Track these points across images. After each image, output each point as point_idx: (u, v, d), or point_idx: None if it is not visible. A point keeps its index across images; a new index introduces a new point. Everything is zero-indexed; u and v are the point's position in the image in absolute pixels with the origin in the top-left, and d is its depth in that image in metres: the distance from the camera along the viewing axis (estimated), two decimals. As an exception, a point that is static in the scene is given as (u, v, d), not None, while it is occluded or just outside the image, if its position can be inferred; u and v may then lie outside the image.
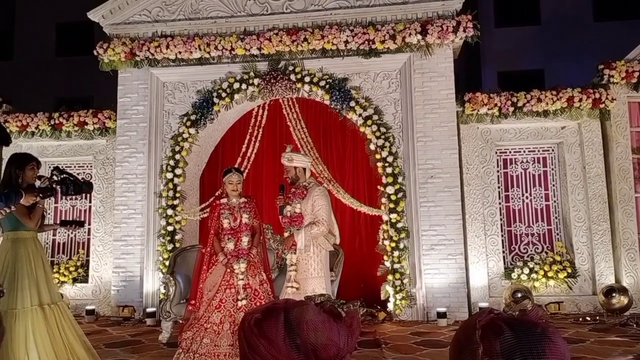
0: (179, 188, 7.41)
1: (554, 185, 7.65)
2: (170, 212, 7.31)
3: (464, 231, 7.19)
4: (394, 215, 6.96)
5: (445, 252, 6.96)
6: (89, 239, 8.08)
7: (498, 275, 7.31)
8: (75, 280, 7.91)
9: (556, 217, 7.59)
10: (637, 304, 6.91)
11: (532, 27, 14.17)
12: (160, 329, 5.93)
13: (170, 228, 7.30)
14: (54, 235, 8.30)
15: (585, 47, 12.42)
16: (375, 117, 7.14)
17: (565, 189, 7.50)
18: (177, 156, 7.40)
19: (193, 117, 7.44)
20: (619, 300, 6.70)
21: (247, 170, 7.76)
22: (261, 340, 1.14)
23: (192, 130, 7.42)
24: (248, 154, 7.90)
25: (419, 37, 7.04)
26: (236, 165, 7.30)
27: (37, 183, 3.96)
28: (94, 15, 7.78)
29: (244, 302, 4.33)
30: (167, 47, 7.43)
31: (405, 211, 7.02)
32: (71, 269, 7.95)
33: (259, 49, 7.32)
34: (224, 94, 7.40)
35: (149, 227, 7.41)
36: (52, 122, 7.98)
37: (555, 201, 7.63)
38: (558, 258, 7.32)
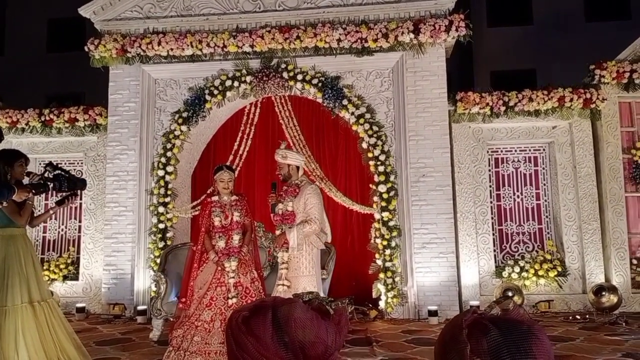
0: (170, 185, 7.38)
1: (544, 185, 7.69)
2: (161, 209, 7.28)
3: (456, 230, 7.22)
4: (385, 214, 6.97)
5: (437, 250, 6.98)
6: (79, 237, 8.04)
7: (489, 273, 7.34)
8: (65, 277, 7.86)
9: (547, 216, 7.64)
10: (626, 302, 6.97)
11: (525, 27, 14.21)
12: (151, 327, 5.91)
13: (161, 226, 7.27)
14: (45, 232, 8.24)
15: (577, 47, 12.47)
16: (367, 116, 7.14)
17: (556, 188, 7.54)
18: (169, 153, 7.37)
19: (185, 115, 7.41)
20: (609, 299, 6.75)
21: (239, 168, 7.75)
22: (249, 338, 1.14)
23: (183, 128, 7.39)
24: (240, 152, 7.88)
25: (412, 36, 7.05)
26: (228, 163, 7.28)
27: (26, 180, 3.93)
28: (85, 11, 7.73)
29: (235, 300, 4.33)
30: (159, 43, 7.40)
31: (397, 210, 7.03)
32: (61, 266, 7.90)
33: (252, 46, 7.31)
34: (216, 92, 7.38)
35: (140, 225, 7.38)
36: (43, 119, 7.92)
37: (546, 200, 7.67)
38: (548, 257, 7.36)
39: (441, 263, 6.97)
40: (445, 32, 7.06)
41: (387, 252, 6.91)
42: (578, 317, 6.66)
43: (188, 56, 7.51)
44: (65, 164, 8.12)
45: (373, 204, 7.14)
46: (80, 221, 8.03)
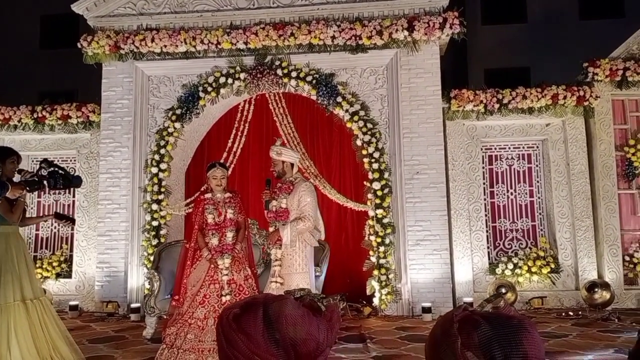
0: (164, 183, 7.36)
1: (538, 182, 7.72)
2: (155, 207, 7.26)
3: (449, 227, 7.23)
4: (380, 211, 6.97)
5: (431, 247, 7.00)
6: (72, 234, 8.00)
7: (483, 270, 7.37)
8: (58, 275, 7.83)
9: (540, 213, 7.67)
10: (619, 299, 7.01)
11: (519, 25, 14.25)
12: (144, 325, 5.89)
13: (155, 223, 7.25)
14: (38, 229, 8.21)
15: (571, 45, 12.50)
16: (362, 113, 7.14)
17: (549, 185, 7.57)
18: (162, 150, 7.35)
19: (178, 112, 7.39)
20: (601, 295, 6.77)
21: (233, 165, 7.74)
22: (240, 335, 1.13)
23: (177, 125, 7.37)
24: (234, 149, 7.87)
25: (406, 33, 7.05)
26: (222, 160, 7.28)
27: (17, 177, 3.90)
28: (77, 7, 7.68)
29: (228, 297, 4.32)
30: (152, 40, 7.37)
31: (391, 207, 7.04)
32: (54, 264, 7.87)
33: (246, 43, 7.29)
34: (209, 88, 7.36)
35: (134, 222, 7.36)
36: (35, 116, 7.88)
37: (539, 197, 7.70)
38: (542, 254, 7.39)
39: (435, 260, 6.98)
40: (440, 30, 7.06)
41: (381, 249, 6.92)
42: (571, 313, 6.69)
43: (182, 53, 7.48)
44: (58, 161, 8.05)
45: (367, 201, 7.14)
46: (73, 216, 7.98)
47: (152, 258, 6.62)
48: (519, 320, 1.09)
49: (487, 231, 7.56)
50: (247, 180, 8.07)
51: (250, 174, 8.09)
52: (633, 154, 7.36)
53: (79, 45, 7.57)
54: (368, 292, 7.05)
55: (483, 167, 7.68)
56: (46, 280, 7.73)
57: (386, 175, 7.04)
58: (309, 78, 7.20)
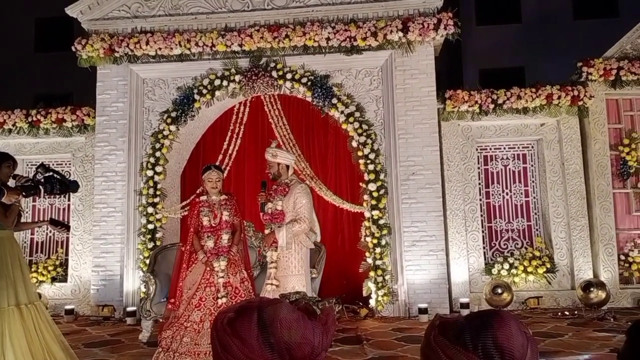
0: (159, 186, 7.34)
1: (533, 182, 7.74)
2: (150, 210, 7.24)
3: (445, 227, 7.24)
4: (375, 212, 6.97)
5: (427, 248, 7.00)
6: (67, 238, 7.97)
7: (479, 270, 7.38)
8: (54, 279, 7.80)
9: (535, 213, 7.68)
10: (614, 298, 7.03)
11: (513, 26, 14.30)
12: (140, 328, 5.88)
13: (150, 226, 7.23)
14: (33, 234, 8.18)
15: (565, 45, 12.56)
16: (357, 114, 7.14)
17: (544, 185, 7.59)
18: (158, 153, 7.33)
19: (173, 114, 7.37)
20: (597, 294, 6.80)
21: (228, 168, 7.73)
22: (234, 339, 1.12)
23: (172, 127, 7.36)
24: (229, 151, 7.86)
25: (400, 34, 7.05)
26: (217, 163, 7.27)
27: (11, 182, 3.88)
28: (72, 10, 7.66)
29: (225, 300, 4.31)
30: (147, 43, 7.35)
31: (387, 208, 7.05)
32: (50, 268, 7.84)
33: (240, 45, 7.28)
34: (204, 91, 7.35)
35: (129, 226, 7.34)
36: (30, 119, 7.85)
37: (534, 197, 7.71)
38: (537, 253, 7.41)
39: (431, 261, 6.99)
40: (434, 31, 7.07)
41: (378, 250, 6.92)
42: (567, 313, 6.71)
43: (176, 55, 7.47)
44: (53, 164, 8.02)
45: (363, 203, 7.14)
46: (68, 222, 7.95)
47: (147, 261, 6.61)
48: (496, 311, 1.12)
49: (482, 231, 7.57)
50: (242, 182, 8.06)
51: (245, 176, 8.08)
52: (627, 153, 7.39)
53: (73, 48, 7.55)
54: (364, 294, 7.05)
55: (478, 168, 7.69)
56: (41, 285, 7.69)
57: (382, 176, 7.05)
58: (304, 80, 7.20)
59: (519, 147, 7.79)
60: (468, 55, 14.29)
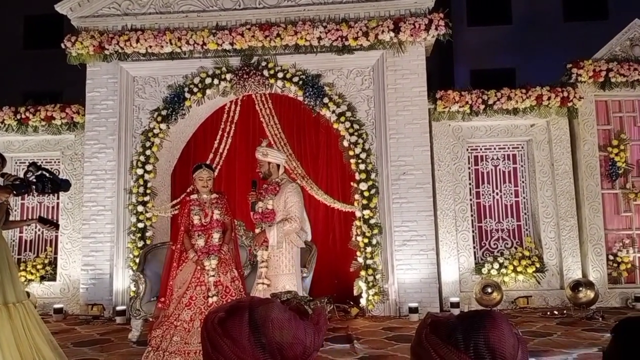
0: (149, 184, 7.30)
1: (523, 182, 7.78)
2: (140, 208, 7.21)
3: (436, 227, 7.26)
4: (367, 212, 6.98)
5: (417, 247, 7.02)
6: (57, 236, 7.90)
7: (469, 270, 7.41)
8: (43, 278, 7.73)
9: (525, 213, 7.73)
10: (603, 297, 7.08)
11: (504, 27, 14.37)
12: (130, 327, 5.85)
13: (140, 225, 7.19)
14: (22, 232, 8.10)
15: (555, 46, 12.64)
16: (348, 114, 7.14)
17: (534, 185, 7.63)
18: (148, 152, 7.30)
19: (164, 112, 7.34)
20: (586, 294, 6.85)
21: (219, 167, 7.70)
22: (225, 340, 1.12)
23: (163, 126, 7.32)
24: (220, 150, 7.83)
25: (392, 34, 7.06)
26: (208, 162, 7.24)
27: (0, 180, 3.84)
28: (61, 7, 7.60)
29: (215, 299, 4.30)
30: (137, 41, 7.31)
31: (378, 207, 7.06)
32: (39, 266, 7.77)
33: (232, 44, 7.26)
34: (195, 89, 7.32)
35: (119, 224, 7.29)
36: (19, 117, 7.77)
37: (524, 197, 7.76)
38: (527, 253, 7.45)
39: (421, 260, 7.01)
40: (425, 31, 7.09)
41: (368, 249, 6.94)
42: (556, 312, 6.75)
43: (167, 54, 7.43)
44: (42, 162, 7.97)
45: (354, 202, 7.15)
46: (57, 221, 7.89)
47: (137, 260, 6.57)
48: (488, 312, 1.12)
49: (473, 231, 7.60)
50: (233, 181, 8.03)
51: (236, 175, 8.06)
52: (616, 154, 7.45)
53: (62, 45, 7.49)
54: (355, 293, 7.05)
55: (469, 168, 7.72)
56: (30, 283, 7.63)
57: (373, 175, 7.06)
58: (295, 79, 7.19)
59: (509, 148, 7.83)
60: (459, 56, 14.35)
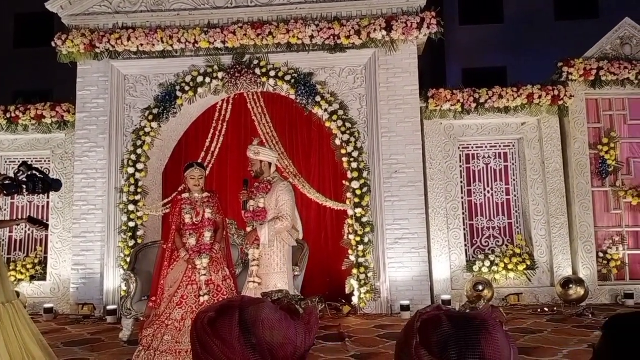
0: (140, 183, 7.27)
1: (514, 180, 7.81)
2: (131, 207, 7.17)
3: (427, 225, 7.28)
4: (359, 210, 6.99)
5: (409, 245, 7.04)
6: (47, 236, 7.84)
7: (460, 268, 7.43)
8: (33, 278, 7.68)
9: (516, 211, 7.76)
10: (593, 294, 7.13)
11: (496, 26, 14.42)
12: (121, 327, 5.81)
13: (131, 224, 7.16)
14: (11, 232, 8.04)
15: (546, 45, 12.70)
16: (340, 113, 7.14)
17: (525, 183, 7.67)
18: (139, 151, 7.26)
19: (155, 111, 7.30)
20: (576, 291, 6.90)
21: (211, 165, 7.68)
22: (215, 340, 1.11)
23: (154, 125, 7.29)
24: (212, 149, 7.80)
25: (384, 33, 7.07)
26: (200, 160, 7.21)
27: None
28: (52, 5, 7.54)
29: (207, 297, 4.29)
30: (129, 39, 7.27)
31: (370, 206, 7.07)
32: (28, 266, 7.71)
33: (224, 42, 7.23)
34: (187, 88, 7.29)
35: (110, 223, 7.26)
36: (9, 116, 7.71)
37: (515, 195, 7.79)
38: (518, 251, 7.48)
39: (413, 258, 7.03)
40: (417, 30, 7.10)
41: (360, 248, 6.94)
42: (546, 309, 6.79)
43: (158, 52, 7.39)
44: (32, 161, 7.91)
45: (346, 201, 7.16)
46: (47, 220, 7.84)
47: (128, 259, 6.54)
48: (482, 320, 1.07)
49: (464, 229, 7.63)
50: (225, 180, 8.01)
51: (228, 174, 8.04)
52: (606, 152, 7.49)
53: (53, 44, 7.43)
54: (347, 291, 7.06)
55: (460, 166, 7.75)
56: (20, 283, 7.57)
57: (365, 174, 7.06)
58: (287, 77, 7.18)
59: (500, 146, 7.86)
60: (451, 55, 14.39)
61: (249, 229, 4.66)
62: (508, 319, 6.24)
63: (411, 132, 7.23)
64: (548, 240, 7.46)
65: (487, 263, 7.34)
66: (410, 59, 7.32)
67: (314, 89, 7.16)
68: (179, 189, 6.83)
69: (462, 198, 7.70)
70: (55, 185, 3.68)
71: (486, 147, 7.85)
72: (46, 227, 4.35)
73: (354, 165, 7.04)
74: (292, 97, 7.29)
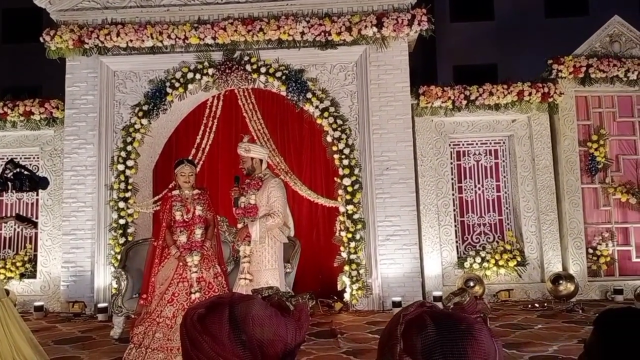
0: (131, 180, 7.23)
1: (504, 177, 7.85)
2: (122, 204, 7.13)
3: (419, 222, 7.30)
4: (350, 207, 7.00)
5: (401, 242, 7.05)
6: (36, 233, 7.77)
7: (451, 264, 7.46)
8: (22, 275, 7.61)
9: (507, 208, 7.80)
10: (582, 290, 7.18)
11: (487, 23, 14.46)
12: (112, 325, 5.79)
13: (122, 221, 7.12)
14: (0, 229, 7.97)
15: (537, 42, 12.75)
16: (332, 109, 7.14)
17: (515, 180, 7.71)
18: (129, 147, 7.21)
19: (145, 108, 7.26)
20: (566, 287, 6.94)
21: (202, 162, 7.65)
22: (205, 337, 1.10)
23: (144, 121, 7.24)
24: (203, 145, 7.77)
25: (375, 29, 7.06)
26: (190, 157, 7.18)
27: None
28: (40, 0, 7.46)
29: (198, 294, 4.28)
30: (118, 34, 7.21)
31: (362, 202, 7.07)
32: (18, 264, 7.64)
33: (214, 38, 7.20)
34: (177, 84, 7.25)
35: (100, 221, 7.21)
36: (-4, 112, 7.64)
37: (506, 192, 7.83)
38: (508, 247, 7.52)
39: (405, 255, 7.05)
40: (408, 27, 7.10)
41: (352, 244, 6.95)
42: (537, 305, 6.84)
43: (148, 48, 7.34)
44: (20, 158, 7.84)
45: (338, 197, 7.16)
46: (37, 218, 7.78)
47: (119, 257, 6.52)
48: (469, 325, 1.03)
49: (455, 226, 7.65)
50: (216, 177, 7.99)
51: (219, 170, 8.01)
52: (596, 149, 7.54)
53: (41, 39, 7.36)
54: (339, 288, 7.07)
55: (451, 163, 7.77)
56: (10, 281, 7.51)
57: (356, 171, 7.07)
58: (278, 74, 7.16)
59: (490, 143, 7.89)
60: (442, 52, 14.41)
61: (240, 226, 4.64)
62: (499, 314, 6.29)
63: (402, 129, 7.24)
64: (538, 236, 7.51)
65: (478, 259, 7.38)
66: (401, 55, 7.32)
67: (305, 86, 7.15)
68: (170, 186, 6.82)
69: (453, 195, 7.72)
70: (42, 183, 3.65)
71: (477, 144, 7.87)
72: (34, 224, 4.33)
73: (345, 162, 7.04)
74: (283, 93, 7.27)
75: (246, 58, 7.23)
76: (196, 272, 4.36)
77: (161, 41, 7.24)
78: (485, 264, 7.37)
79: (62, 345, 5.32)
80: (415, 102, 7.44)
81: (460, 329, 1.02)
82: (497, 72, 13.26)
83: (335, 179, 7.20)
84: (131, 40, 7.24)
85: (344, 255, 7.02)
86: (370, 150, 7.15)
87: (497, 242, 7.64)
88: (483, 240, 7.70)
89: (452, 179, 7.75)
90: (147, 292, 4.38)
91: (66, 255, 7.23)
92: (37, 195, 7.80)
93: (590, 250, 7.47)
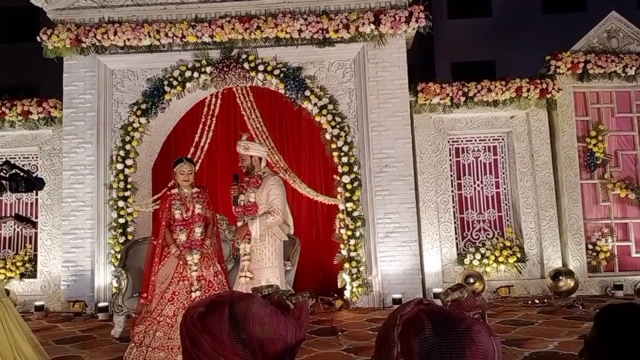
0: (130, 179, 7.22)
1: (503, 173, 7.85)
2: (121, 203, 7.13)
3: (418, 219, 7.30)
4: (349, 204, 7.00)
5: (400, 239, 7.05)
6: (36, 233, 7.77)
7: (451, 261, 7.47)
8: (22, 275, 7.61)
9: (506, 204, 7.80)
10: (582, 286, 7.19)
11: (484, 19, 14.45)
12: (112, 324, 5.79)
13: (121, 220, 7.11)
14: (0, 229, 7.96)
15: (534, 39, 12.73)
16: (330, 107, 7.13)
17: (514, 176, 7.71)
18: (128, 146, 7.21)
19: (143, 106, 7.25)
20: (566, 283, 6.95)
21: (200, 160, 7.64)
22: (204, 335, 1.10)
23: (142, 120, 7.23)
24: (201, 144, 7.77)
25: (372, 26, 7.06)
26: (189, 155, 7.18)
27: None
28: (37, -1, 7.45)
29: (198, 293, 4.28)
30: (115, 33, 7.20)
31: (361, 200, 7.07)
32: (18, 264, 7.64)
33: (211, 36, 7.19)
34: (175, 83, 7.24)
35: (100, 220, 7.21)
36: (-6, 112, 7.62)
37: (505, 188, 7.83)
38: (508, 243, 7.53)
39: (404, 252, 7.05)
40: (406, 23, 7.09)
41: (352, 242, 6.95)
42: (537, 301, 6.84)
43: (146, 46, 7.33)
44: (19, 158, 7.85)
45: (337, 195, 7.16)
46: (36, 217, 7.78)
47: (119, 256, 6.51)
48: (467, 326, 1.02)
49: (455, 222, 7.65)
50: (215, 175, 7.98)
51: (218, 169, 8.01)
52: (594, 145, 7.54)
53: (38, 38, 7.35)
54: (339, 285, 7.07)
55: (450, 160, 7.77)
56: (10, 281, 7.50)
57: (355, 168, 7.07)
58: (276, 72, 7.15)
59: (489, 140, 7.89)
60: (440, 49, 14.39)
61: (239, 224, 4.64)
62: (499, 311, 6.30)
63: (401, 126, 7.24)
64: (538, 232, 7.51)
65: (478, 256, 7.38)
66: (399, 52, 7.32)
67: (303, 83, 7.14)
68: (169, 185, 6.82)
69: (452, 191, 7.72)
70: (38, 184, 3.66)
71: (475, 140, 7.87)
72: (33, 224, 4.33)
73: (344, 159, 7.04)
74: (282, 91, 7.26)
75: (244, 56, 7.22)
76: (196, 270, 4.36)
77: (158, 40, 7.23)
78: (485, 261, 7.37)
79: (63, 344, 5.33)
80: (413, 99, 7.44)
81: (458, 330, 1.01)
82: (495, 68, 13.25)
83: (334, 176, 7.20)
84: (128, 39, 7.22)
85: (344, 252, 7.02)
86: (369, 148, 7.14)
87: (497, 238, 7.64)
88: (483, 237, 7.71)
89: (451, 175, 7.76)
90: (148, 291, 4.38)
91: (66, 254, 7.23)
92: (37, 194, 7.79)
93: (590, 246, 7.48)
